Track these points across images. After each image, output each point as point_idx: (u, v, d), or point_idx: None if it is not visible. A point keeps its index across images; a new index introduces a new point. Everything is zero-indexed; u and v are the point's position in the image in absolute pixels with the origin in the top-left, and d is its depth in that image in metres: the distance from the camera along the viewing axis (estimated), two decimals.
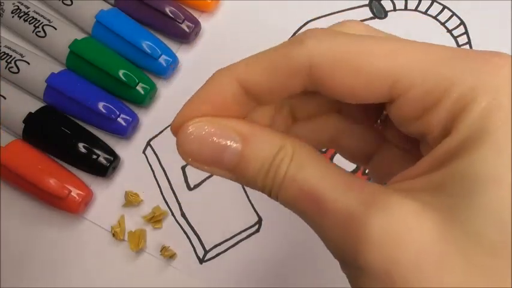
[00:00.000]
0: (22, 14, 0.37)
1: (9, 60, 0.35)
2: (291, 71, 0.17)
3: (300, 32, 0.36)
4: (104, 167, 0.34)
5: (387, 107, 0.18)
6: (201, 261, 0.33)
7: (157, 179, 0.35)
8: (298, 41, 0.17)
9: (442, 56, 0.16)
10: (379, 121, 0.21)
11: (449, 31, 0.38)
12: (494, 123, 0.15)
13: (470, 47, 0.38)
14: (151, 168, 0.35)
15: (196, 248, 0.34)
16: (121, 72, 0.35)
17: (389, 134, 0.21)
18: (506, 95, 0.15)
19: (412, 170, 0.17)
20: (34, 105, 0.35)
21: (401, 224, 0.15)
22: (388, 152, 0.21)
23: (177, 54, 0.37)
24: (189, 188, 0.35)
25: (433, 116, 0.16)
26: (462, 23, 0.38)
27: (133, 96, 0.36)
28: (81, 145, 0.34)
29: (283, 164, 0.17)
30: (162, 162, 0.35)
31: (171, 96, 0.37)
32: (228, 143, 0.17)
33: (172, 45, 0.37)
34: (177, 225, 0.34)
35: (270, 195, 0.18)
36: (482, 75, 0.16)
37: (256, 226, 0.34)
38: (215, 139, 0.17)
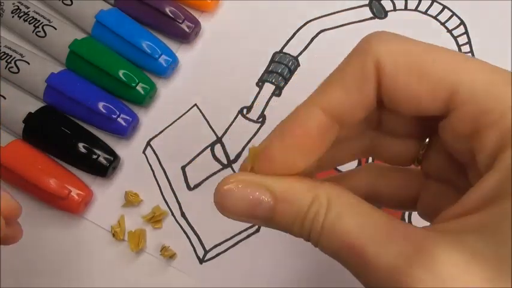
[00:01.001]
0: (22, 14, 0.37)
1: (9, 60, 0.35)
2: (364, 75, 0.17)
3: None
4: (104, 167, 0.34)
5: (440, 123, 0.18)
6: (201, 261, 0.33)
7: (157, 179, 0.35)
8: (365, 45, 0.17)
9: (505, 78, 0.16)
10: (416, 161, 0.21)
11: (449, 31, 0.38)
12: None
13: (470, 47, 0.38)
14: (151, 168, 0.35)
15: (196, 248, 0.34)
16: (121, 72, 0.35)
17: (431, 168, 0.21)
18: None
19: (460, 206, 0.16)
20: (34, 105, 0.35)
21: (449, 283, 0.14)
22: (433, 190, 0.21)
23: (177, 54, 0.37)
24: (189, 188, 0.35)
25: (485, 137, 0.16)
26: (462, 23, 0.38)
27: (133, 96, 0.36)
28: (81, 145, 0.34)
29: (318, 215, 0.17)
30: (162, 162, 0.35)
31: (171, 96, 0.37)
32: (261, 199, 0.18)
33: (172, 45, 0.37)
34: (177, 225, 0.34)
35: (309, 241, 0.18)
36: None
37: (256, 226, 0.34)
38: (249, 197, 0.18)
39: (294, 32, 0.39)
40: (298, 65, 0.38)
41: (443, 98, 0.17)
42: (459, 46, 0.38)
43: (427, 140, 0.20)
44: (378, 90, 0.18)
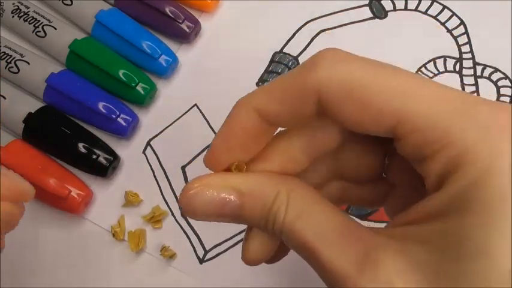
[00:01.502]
0: (22, 14, 0.37)
1: (9, 60, 0.35)
2: (301, 97, 0.17)
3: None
4: (104, 167, 0.34)
5: (395, 142, 0.18)
6: (201, 261, 0.33)
7: (157, 179, 0.35)
8: (310, 65, 0.17)
9: (451, 104, 0.16)
10: (383, 174, 0.21)
11: (449, 31, 0.38)
12: (491, 191, 0.15)
13: (470, 47, 0.38)
14: (151, 168, 0.35)
15: (196, 248, 0.34)
16: (121, 72, 0.35)
17: (396, 177, 0.21)
18: (507, 161, 0.15)
19: (407, 215, 0.17)
20: (34, 105, 0.35)
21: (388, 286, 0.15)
22: (398, 194, 0.22)
23: (177, 54, 0.37)
24: None
25: (431, 165, 0.16)
26: (462, 23, 0.38)
27: (134, 96, 0.36)
28: (81, 145, 0.34)
29: (279, 212, 0.18)
30: (162, 162, 0.35)
31: (171, 96, 0.37)
32: (227, 200, 0.19)
33: (172, 45, 0.37)
34: (177, 225, 0.34)
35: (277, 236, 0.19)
36: (487, 136, 0.15)
37: None
38: (215, 200, 0.19)
39: (294, 32, 0.39)
40: (298, 64, 0.37)
41: (388, 127, 0.17)
42: (459, 46, 0.38)
43: (387, 157, 0.21)
44: (320, 108, 0.18)
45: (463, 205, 0.15)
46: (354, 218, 0.18)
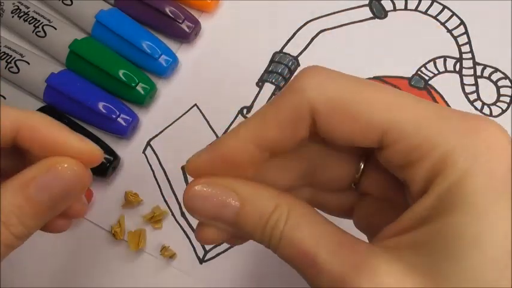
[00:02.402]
0: (22, 14, 0.37)
1: (9, 60, 0.35)
2: (298, 120, 0.18)
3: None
4: (104, 167, 0.34)
5: (377, 152, 0.19)
6: (201, 261, 0.33)
7: (157, 179, 0.35)
8: (298, 87, 0.18)
9: (431, 115, 0.18)
10: (353, 185, 0.22)
11: (449, 31, 0.38)
12: (473, 188, 0.16)
13: (470, 47, 0.38)
14: (151, 168, 0.35)
15: (196, 248, 0.34)
16: (121, 72, 0.35)
17: (368, 187, 0.22)
18: (484, 160, 0.17)
19: (398, 225, 0.18)
20: (34, 105, 0.35)
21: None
22: (367, 205, 0.22)
23: (177, 54, 0.37)
24: None
25: (416, 170, 0.18)
26: (462, 23, 0.38)
27: (134, 96, 0.36)
28: None
29: (279, 223, 0.19)
30: (162, 162, 0.35)
31: (171, 96, 0.37)
32: (227, 201, 0.19)
33: (172, 45, 0.37)
34: (177, 225, 0.34)
35: (268, 247, 0.19)
36: (464, 140, 0.17)
37: None
38: (216, 198, 0.19)
39: (294, 32, 0.39)
40: (298, 65, 0.38)
41: (376, 136, 0.18)
42: (459, 46, 0.38)
43: (362, 164, 0.22)
44: (312, 126, 0.19)
45: (449, 205, 0.16)
46: None
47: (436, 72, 0.37)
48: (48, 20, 0.36)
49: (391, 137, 0.18)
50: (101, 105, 0.34)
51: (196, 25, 0.37)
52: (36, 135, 0.20)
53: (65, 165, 0.20)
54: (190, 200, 0.19)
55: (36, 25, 0.36)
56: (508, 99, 0.36)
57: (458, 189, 0.16)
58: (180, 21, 0.37)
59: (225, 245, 0.33)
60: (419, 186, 0.18)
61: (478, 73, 0.37)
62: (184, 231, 0.34)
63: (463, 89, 0.37)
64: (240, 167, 0.19)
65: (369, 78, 0.37)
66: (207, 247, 0.33)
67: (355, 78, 0.19)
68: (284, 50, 0.38)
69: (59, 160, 0.20)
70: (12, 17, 0.37)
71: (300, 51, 0.38)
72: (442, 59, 0.37)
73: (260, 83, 0.37)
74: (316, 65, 0.19)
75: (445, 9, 0.39)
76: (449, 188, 0.17)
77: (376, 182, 0.22)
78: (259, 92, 0.37)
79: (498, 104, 0.36)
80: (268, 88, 0.37)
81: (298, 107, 0.18)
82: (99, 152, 0.21)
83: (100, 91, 0.35)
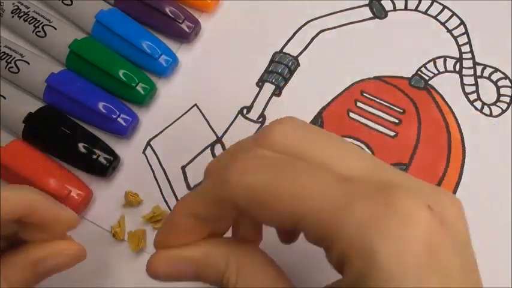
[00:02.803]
0: (22, 14, 0.37)
1: (9, 60, 0.35)
2: (221, 205, 0.21)
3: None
4: (104, 167, 0.34)
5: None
6: None
7: (157, 179, 0.35)
8: (223, 180, 0.20)
9: (337, 203, 0.18)
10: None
11: (449, 31, 0.38)
12: (373, 284, 0.16)
13: (470, 47, 0.38)
14: (151, 168, 0.35)
15: None
16: (121, 72, 0.35)
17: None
18: (385, 254, 0.16)
19: None
20: (34, 105, 0.35)
21: None
22: None
23: (177, 54, 0.37)
24: (189, 188, 0.35)
25: (329, 256, 0.19)
26: (462, 23, 0.38)
27: (134, 96, 0.36)
28: (81, 145, 0.34)
29: (230, 282, 0.21)
30: (162, 162, 0.35)
31: (171, 96, 0.37)
32: (185, 269, 0.22)
33: (172, 45, 0.38)
34: None
35: None
36: (359, 232, 0.17)
37: None
38: (175, 268, 0.22)
39: (294, 32, 0.39)
40: (298, 65, 0.38)
41: (291, 225, 0.19)
42: (459, 46, 0.38)
43: None
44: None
45: None
46: None
47: (436, 72, 0.37)
48: (48, 20, 0.36)
49: (301, 227, 0.19)
50: (101, 105, 0.34)
51: (196, 25, 0.37)
52: (35, 215, 0.24)
53: (67, 252, 0.26)
54: (154, 273, 0.22)
55: (36, 25, 0.36)
56: (508, 99, 0.36)
57: (362, 283, 0.17)
58: (180, 21, 0.37)
59: None
60: (337, 269, 0.19)
61: (478, 73, 0.37)
62: None
63: (463, 89, 0.37)
64: (192, 233, 0.22)
65: (369, 78, 0.37)
66: None
67: (274, 163, 0.20)
68: (284, 50, 0.38)
69: (63, 246, 0.26)
70: (12, 17, 0.37)
71: (300, 51, 0.38)
72: (442, 59, 0.37)
73: (260, 83, 0.37)
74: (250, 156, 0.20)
75: (445, 9, 0.39)
76: (355, 280, 0.17)
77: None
78: (259, 92, 0.37)
79: (498, 104, 0.36)
80: (268, 88, 0.37)
81: (222, 199, 0.20)
82: (76, 218, 0.27)
83: (100, 91, 0.35)
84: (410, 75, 0.37)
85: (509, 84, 0.37)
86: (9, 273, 0.24)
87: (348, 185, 0.18)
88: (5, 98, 0.35)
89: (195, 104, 0.37)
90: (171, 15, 0.37)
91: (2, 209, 0.23)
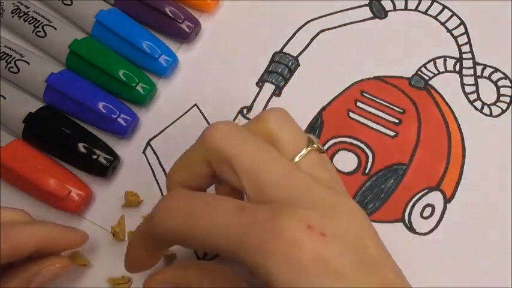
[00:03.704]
0: (22, 14, 0.37)
1: (9, 60, 0.35)
2: (156, 240, 0.25)
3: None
4: (104, 167, 0.34)
5: None
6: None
7: (157, 179, 0.35)
8: (151, 219, 0.24)
9: (236, 237, 0.21)
10: None
11: (449, 31, 0.38)
12: None
13: (470, 47, 0.38)
14: (151, 168, 0.35)
15: None
16: (121, 72, 0.35)
17: None
18: (277, 275, 0.19)
19: None
20: (34, 105, 0.35)
21: None
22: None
23: (177, 54, 0.37)
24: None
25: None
26: (462, 23, 0.38)
27: (134, 96, 0.36)
28: (81, 145, 0.34)
29: None
30: (162, 162, 0.35)
31: (171, 96, 0.37)
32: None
33: (172, 45, 0.38)
34: None
35: None
36: (259, 260, 0.20)
37: None
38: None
39: (294, 32, 0.39)
40: (298, 65, 0.38)
41: (213, 251, 0.24)
42: (459, 46, 0.38)
43: None
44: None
45: None
46: None
47: (436, 72, 0.37)
48: (48, 20, 0.36)
49: (219, 253, 0.22)
50: (101, 105, 0.34)
51: (196, 25, 0.37)
52: (49, 246, 0.28)
53: (57, 265, 0.29)
54: None
55: (36, 25, 0.36)
56: (508, 99, 0.36)
57: None
58: (180, 21, 0.37)
59: None
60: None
61: (478, 73, 0.37)
62: None
63: (463, 89, 0.37)
64: (149, 258, 0.27)
65: (369, 78, 0.37)
66: None
67: (192, 199, 0.23)
68: (284, 50, 0.38)
69: (54, 261, 0.29)
70: (12, 17, 0.37)
71: (300, 51, 0.38)
72: (442, 59, 0.37)
73: (260, 83, 0.37)
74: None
75: (445, 9, 0.39)
76: None
77: None
78: (259, 92, 0.37)
79: (498, 104, 0.36)
80: (268, 88, 0.37)
81: (154, 237, 0.24)
82: (86, 236, 0.31)
83: (100, 91, 0.35)
84: (410, 75, 0.37)
85: (509, 84, 0.37)
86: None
87: (245, 215, 0.21)
88: (5, 98, 0.35)
89: (195, 104, 0.37)
90: (171, 15, 0.37)
91: (18, 249, 0.26)
